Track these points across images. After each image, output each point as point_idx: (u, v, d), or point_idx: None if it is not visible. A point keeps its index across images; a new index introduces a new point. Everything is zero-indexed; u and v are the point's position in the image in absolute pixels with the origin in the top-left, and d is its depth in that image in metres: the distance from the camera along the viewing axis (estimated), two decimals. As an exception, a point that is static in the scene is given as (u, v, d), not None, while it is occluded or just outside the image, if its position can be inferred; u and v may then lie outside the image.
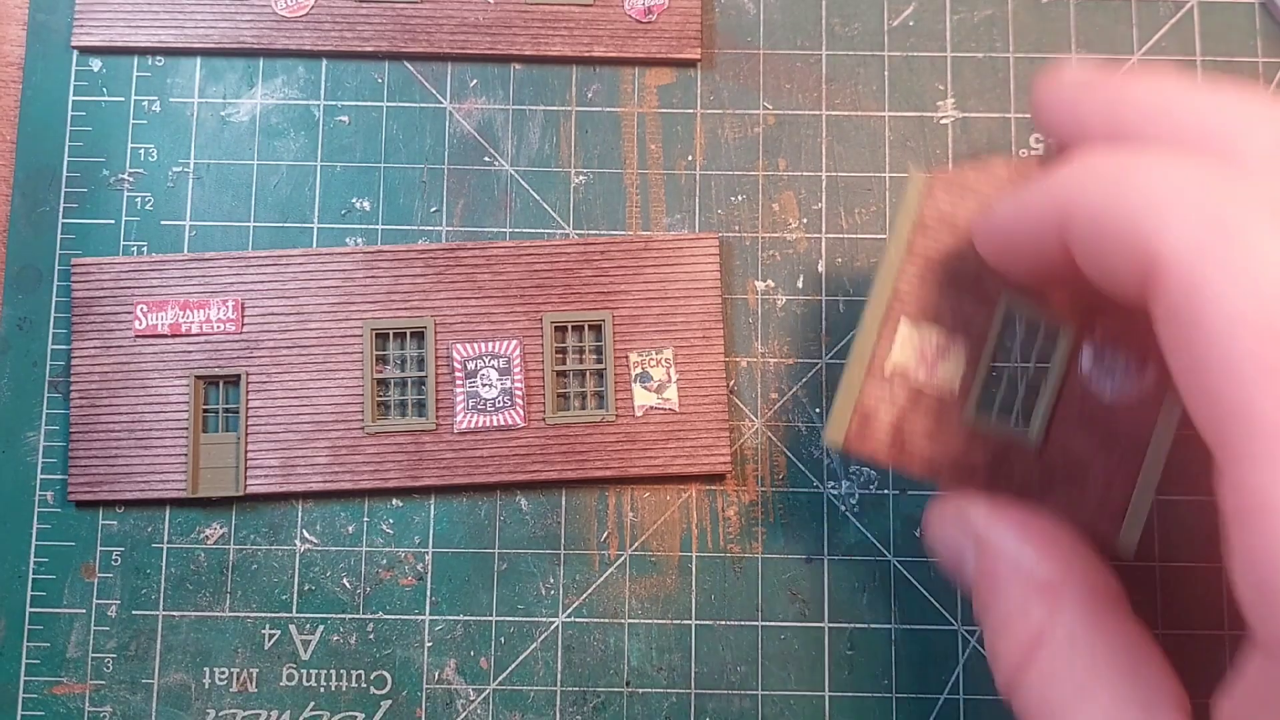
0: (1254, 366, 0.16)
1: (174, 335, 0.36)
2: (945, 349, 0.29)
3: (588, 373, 0.36)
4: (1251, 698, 0.17)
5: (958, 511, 0.25)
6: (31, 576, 0.35)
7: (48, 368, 0.36)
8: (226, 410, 0.36)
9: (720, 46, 0.38)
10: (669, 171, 0.37)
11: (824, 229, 0.37)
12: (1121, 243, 0.19)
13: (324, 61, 0.38)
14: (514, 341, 0.36)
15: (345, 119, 0.38)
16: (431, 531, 0.36)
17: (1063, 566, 0.21)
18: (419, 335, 0.36)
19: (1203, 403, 0.17)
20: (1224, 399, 0.17)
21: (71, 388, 0.36)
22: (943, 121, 0.38)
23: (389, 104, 0.38)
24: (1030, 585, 0.22)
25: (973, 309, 0.29)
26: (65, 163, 0.37)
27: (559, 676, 0.35)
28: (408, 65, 0.38)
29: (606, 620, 0.35)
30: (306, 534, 0.36)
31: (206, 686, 0.35)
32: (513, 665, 0.35)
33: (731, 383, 0.36)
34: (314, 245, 0.37)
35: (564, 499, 0.36)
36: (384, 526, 0.36)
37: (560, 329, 0.36)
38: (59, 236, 0.37)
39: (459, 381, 0.36)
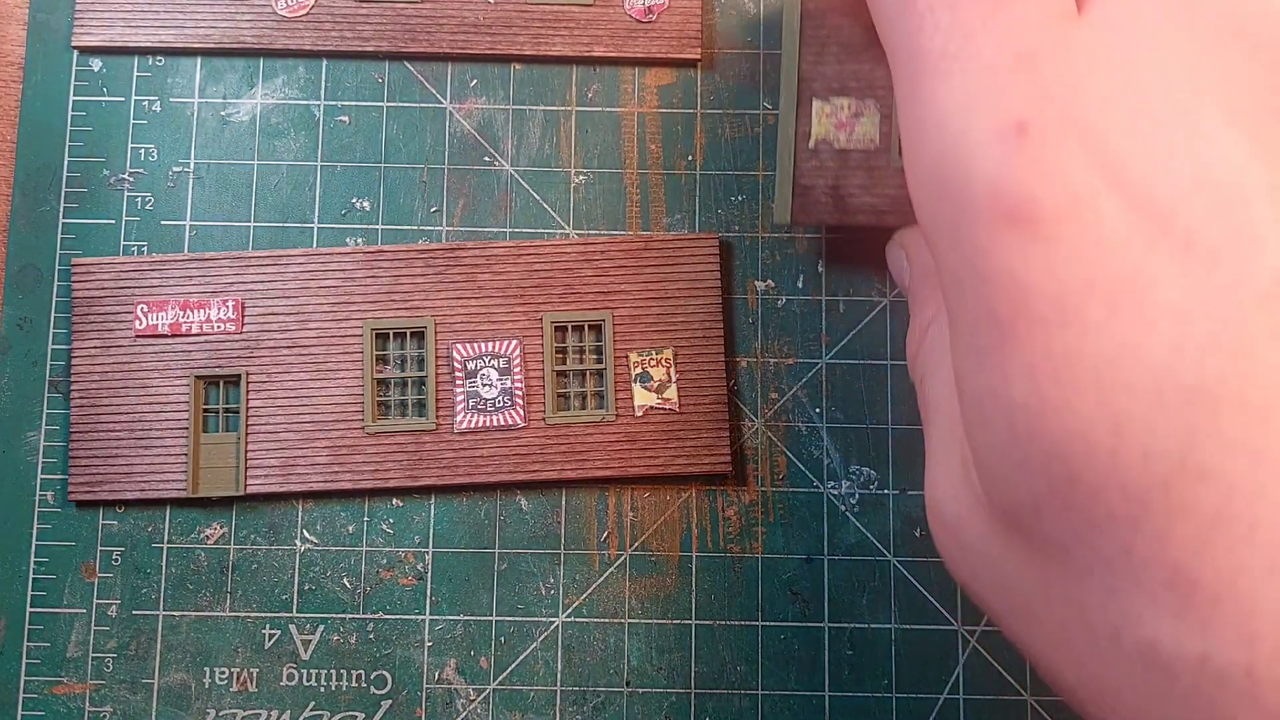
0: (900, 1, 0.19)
1: (174, 335, 0.36)
2: (858, 110, 0.33)
3: (588, 373, 0.36)
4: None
5: (899, 237, 0.28)
6: (31, 576, 0.35)
7: (48, 368, 0.36)
8: (226, 410, 0.36)
9: (720, 46, 0.38)
10: (669, 171, 0.37)
11: (824, 229, 0.37)
12: None
13: (324, 61, 0.38)
14: (514, 341, 0.36)
15: (345, 119, 0.38)
16: (431, 531, 0.36)
17: None
18: (419, 335, 0.36)
19: (886, 50, 0.20)
20: (887, 37, 0.20)
21: (71, 388, 0.36)
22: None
23: (389, 104, 0.38)
24: (930, 279, 0.24)
25: (872, 68, 0.33)
26: (65, 163, 0.37)
27: (559, 676, 0.35)
28: (408, 65, 0.38)
29: (606, 620, 0.35)
30: (307, 534, 0.36)
31: (207, 686, 0.35)
32: (513, 665, 0.35)
33: (731, 383, 0.36)
34: (314, 245, 0.37)
35: (564, 499, 0.36)
36: (384, 526, 0.36)
37: (560, 329, 0.36)
38: (59, 236, 0.37)
39: (459, 381, 0.36)
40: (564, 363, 0.36)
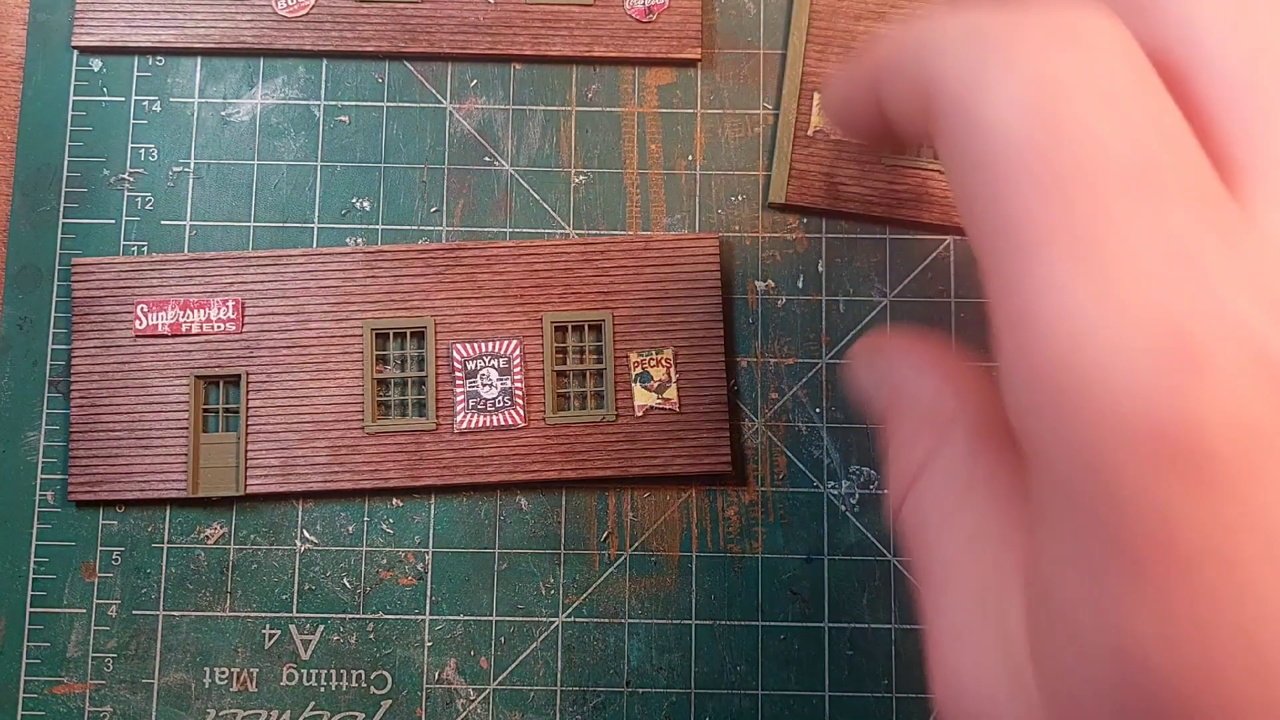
0: (1014, 169, 0.15)
1: (174, 335, 0.36)
2: None
3: (588, 373, 0.36)
4: (1042, 528, 0.16)
5: (870, 351, 0.24)
6: (32, 576, 0.35)
7: (48, 368, 0.36)
8: (226, 410, 0.36)
9: (720, 46, 0.38)
10: (669, 171, 0.37)
11: (824, 229, 0.37)
12: (907, 83, 0.18)
13: (324, 61, 0.38)
14: (514, 341, 0.36)
15: (345, 119, 0.38)
16: (431, 531, 0.36)
17: (955, 399, 0.21)
18: (419, 335, 0.36)
19: (972, 220, 0.16)
20: (988, 209, 0.16)
21: (71, 387, 0.36)
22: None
23: (389, 104, 0.38)
24: (922, 417, 0.21)
25: None
26: (65, 162, 0.37)
27: (559, 676, 0.35)
28: (408, 65, 0.38)
29: (606, 620, 0.35)
30: (306, 534, 0.36)
31: (207, 686, 0.35)
32: (513, 665, 0.35)
33: (731, 383, 0.36)
34: (314, 245, 0.37)
35: (564, 499, 0.36)
36: (384, 526, 0.36)
37: (560, 329, 0.36)
38: (59, 236, 0.37)
39: (459, 381, 0.36)
40: (564, 363, 0.36)
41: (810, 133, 0.36)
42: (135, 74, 0.37)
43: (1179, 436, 0.13)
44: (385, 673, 0.35)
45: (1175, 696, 0.14)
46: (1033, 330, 0.15)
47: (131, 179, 0.37)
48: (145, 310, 0.36)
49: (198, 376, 0.36)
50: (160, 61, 0.38)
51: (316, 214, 0.37)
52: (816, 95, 0.36)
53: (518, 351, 0.36)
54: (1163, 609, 0.14)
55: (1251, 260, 0.14)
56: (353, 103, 0.38)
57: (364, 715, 0.35)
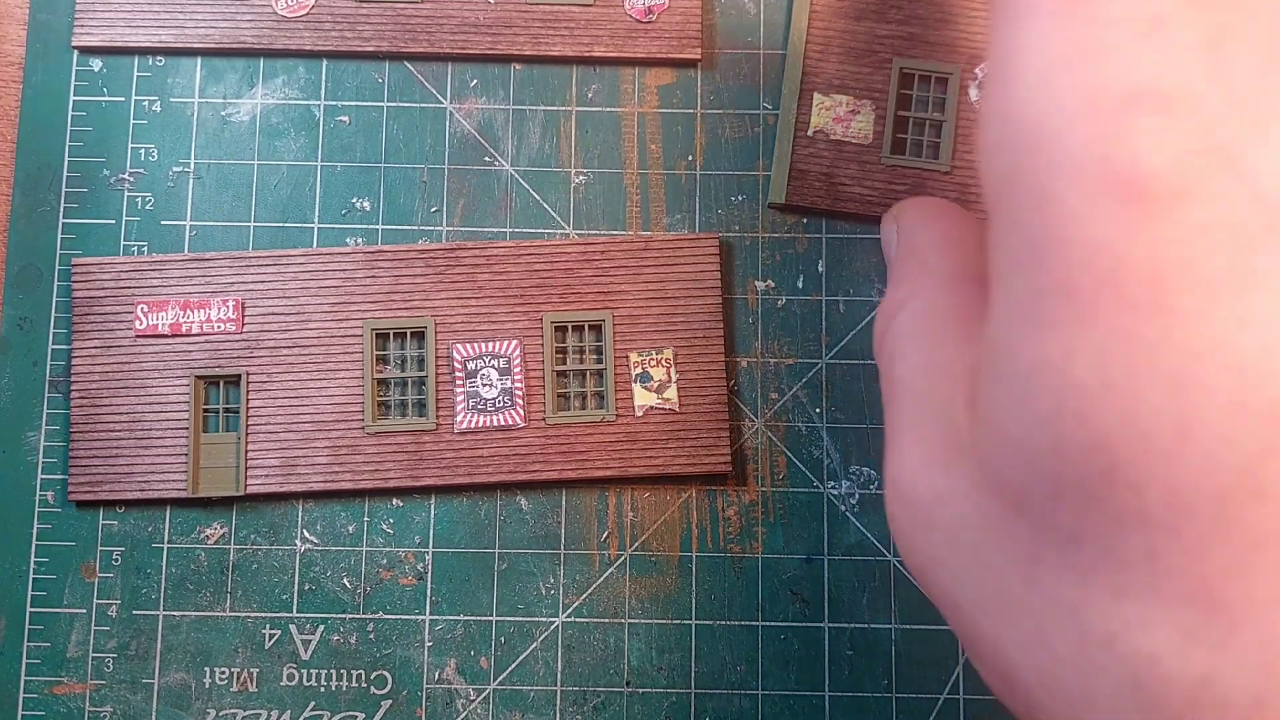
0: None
1: (174, 335, 0.36)
2: (855, 108, 0.36)
3: (588, 373, 0.36)
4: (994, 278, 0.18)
5: (895, 209, 0.27)
6: (32, 576, 0.35)
7: (48, 368, 0.36)
8: (227, 410, 0.36)
9: (720, 46, 0.38)
10: (669, 171, 0.37)
11: (824, 229, 0.37)
12: None
13: (324, 61, 0.38)
14: (514, 341, 0.36)
15: (345, 119, 0.38)
16: (432, 531, 0.36)
17: (942, 248, 0.23)
18: (419, 335, 0.36)
19: None
20: None
21: (72, 388, 0.36)
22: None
23: (389, 104, 0.38)
24: (914, 263, 0.24)
25: (871, 73, 0.36)
26: (65, 163, 0.37)
27: (559, 676, 0.35)
28: (408, 65, 0.38)
29: (607, 620, 0.35)
30: (307, 534, 0.36)
31: (207, 686, 0.35)
32: (513, 665, 0.35)
33: (731, 383, 0.36)
34: (314, 245, 0.37)
35: (564, 499, 0.36)
36: (384, 526, 0.36)
37: (560, 329, 0.36)
38: (59, 236, 0.37)
39: (459, 381, 0.36)
40: (564, 363, 0.36)
41: (810, 133, 0.36)
42: (135, 74, 0.37)
43: (1127, 172, 0.15)
44: (385, 673, 0.35)
45: (1106, 444, 0.15)
46: (1014, 79, 0.17)
47: (131, 179, 0.37)
48: (145, 310, 0.36)
49: (198, 376, 0.36)
50: (160, 61, 0.38)
51: (316, 214, 0.37)
52: (817, 96, 0.36)
53: (518, 351, 0.36)
54: (1098, 349, 0.15)
55: (1213, 26, 0.16)
56: (353, 103, 0.38)
57: (364, 715, 0.35)
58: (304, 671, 0.35)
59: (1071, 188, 0.16)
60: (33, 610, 0.35)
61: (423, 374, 0.36)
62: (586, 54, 0.37)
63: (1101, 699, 0.16)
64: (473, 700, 0.35)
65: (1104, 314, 0.15)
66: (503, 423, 0.35)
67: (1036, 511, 0.16)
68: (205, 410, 0.36)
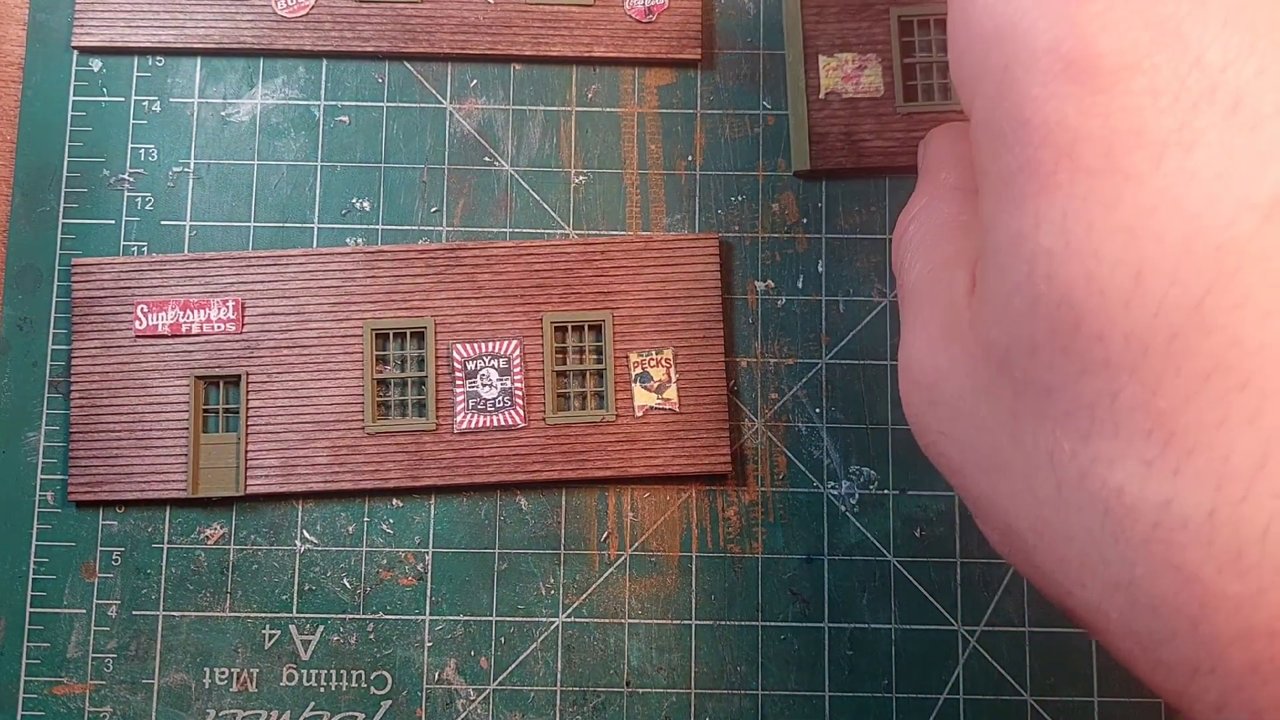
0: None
1: (174, 335, 0.36)
2: (862, 64, 0.36)
3: (588, 373, 0.36)
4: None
5: (932, 132, 0.29)
6: (32, 576, 0.35)
7: (48, 368, 0.36)
8: (226, 410, 0.36)
9: (720, 46, 0.38)
10: (669, 171, 0.37)
11: (824, 229, 0.37)
12: None
13: (324, 61, 0.38)
14: (514, 341, 0.36)
15: (345, 119, 0.38)
16: (431, 531, 0.36)
17: (949, 161, 0.25)
18: (419, 335, 0.36)
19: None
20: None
21: (71, 388, 0.36)
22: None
23: (389, 104, 0.38)
24: (926, 175, 0.25)
25: (870, 26, 0.37)
26: (65, 163, 0.37)
27: (559, 676, 0.35)
28: (408, 65, 0.38)
29: (606, 620, 0.35)
30: (307, 534, 0.36)
31: (207, 686, 0.35)
32: (513, 665, 0.35)
33: (731, 383, 0.36)
34: (314, 245, 0.37)
35: (564, 499, 0.36)
36: (384, 526, 0.36)
37: (560, 329, 0.36)
38: (59, 236, 0.37)
39: (459, 381, 0.36)
40: (564, 363, 0.36)
41: (823, 95, 0.36)
42: (135, 74, 0.37)
43: (1074, 52, 0.17)
44: (385, 673, 0.35)
45: (1071, 300, 0.16)
46: None
47: (131, 179, 0.37)
48: (145, 310, 0.36)
49: (198, 377, 0.36)
50: (160, 62, 0.38)
51: (316, 214, 0.37)
52: (823, 58, 0.36)
53: (518, 351, 0.36)
54: (1061, 214, 0.17)
55: None
56: (353, 103, 0.38)
57: (364, 715, 0.35)
58: (304, 672, 0.35)
59: (1029, 75, 0.17)
60: (33, 610, 0.35)
61: (423, 374, 0.36)
62: (586, 54, 0.37)
63: (1079, 532, 0.17)
64: (473, 700, 0.35)
65: (1064, 183, 0.17)
66: (503, 423, 0.35)
67: (1017, 369, 0.18)
68: (205, 410, 0.36)
